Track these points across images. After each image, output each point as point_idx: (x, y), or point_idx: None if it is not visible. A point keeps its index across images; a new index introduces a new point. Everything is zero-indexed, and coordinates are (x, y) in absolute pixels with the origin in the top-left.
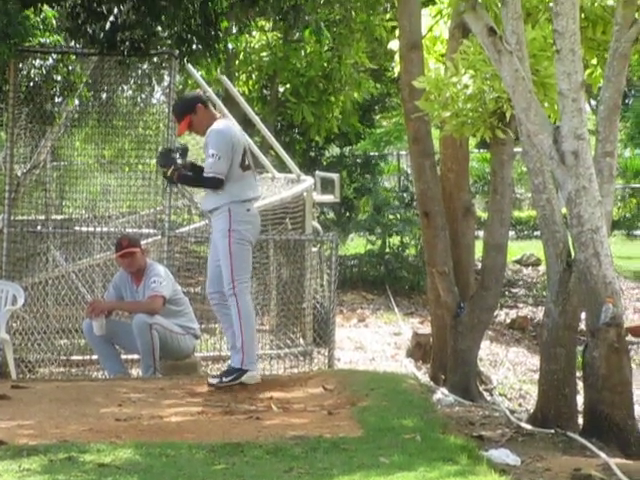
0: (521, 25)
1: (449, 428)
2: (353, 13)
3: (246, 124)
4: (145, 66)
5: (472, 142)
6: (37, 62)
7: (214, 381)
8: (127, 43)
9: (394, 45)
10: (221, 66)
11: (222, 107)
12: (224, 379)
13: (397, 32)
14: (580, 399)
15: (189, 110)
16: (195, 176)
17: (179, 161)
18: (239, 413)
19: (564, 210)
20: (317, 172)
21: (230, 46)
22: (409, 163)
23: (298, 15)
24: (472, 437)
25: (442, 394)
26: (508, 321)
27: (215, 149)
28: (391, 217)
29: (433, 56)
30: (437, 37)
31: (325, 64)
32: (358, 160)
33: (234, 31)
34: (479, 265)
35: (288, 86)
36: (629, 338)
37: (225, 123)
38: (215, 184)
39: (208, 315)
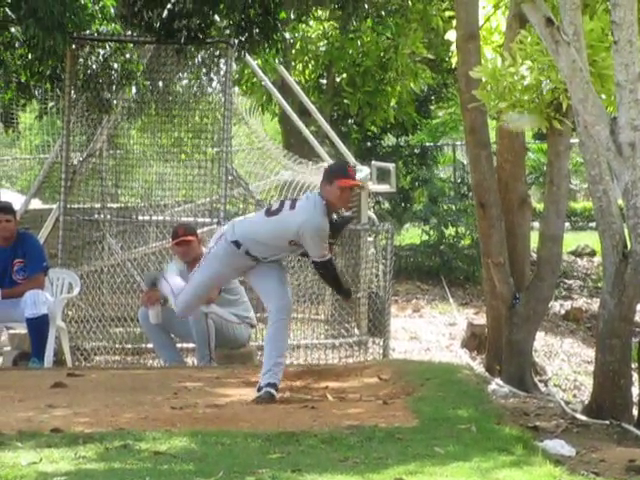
0: (579, 16)
1: (504, 419)
2: (410, 3)
3: (302, 113)
4: (202, 55)
5: (529, 133)
6: (94, 50)
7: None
8: (184, 31)
9: (451, 35)
10: (278, 55)
11: (279, 96)
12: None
13: (454, 22)
14: (635, 390)
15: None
16: (328, 280)
17: None
18: (294, 402)
19: (620, 201)
20: (373, 162)
21: (288, 36)
22: (465, 154)
23: (357, 4)
24: (527, 428)
25: (497, 385)
26: (563, 312)
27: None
28: (446, 208)
29: (490, 46)
30: (494, 27)
31: (381, 54)
32: (414, 150)
33: (291, 20)
34: (534, 256)
35: (344, 76)
36: None
37: None
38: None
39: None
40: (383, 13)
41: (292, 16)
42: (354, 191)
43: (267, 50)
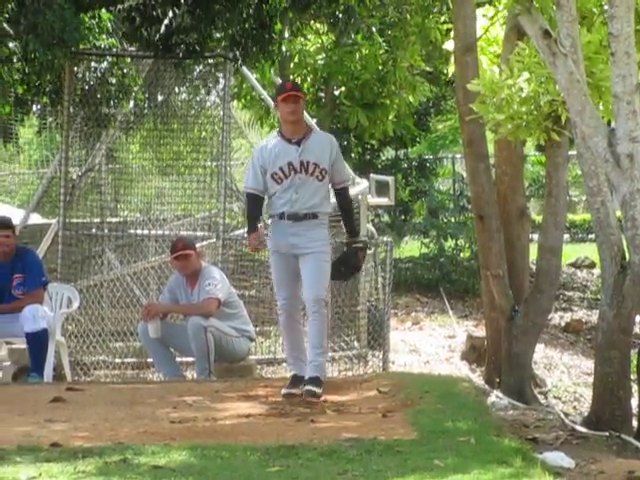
0: (576, 28)
1: (503, 431)
2: (408, 16)
3: None
4: (200, 69)
5: (527, 145)
6: (92, 65)
7: (319, 390)
8: (182, 46)
9: (449, 46)
10: (275, 68)
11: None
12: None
13: (452, 34)
14: (635, 402)
15: (304, 95)
16: (347, 208)
17: None
18: (293, 415)
19: (619, 213)
20: (372, 175)
21: (284, 48)
22: (464, 166)
23: (350, 19)
24: (526, 440)
25: (496, 397)
26: (562, 324)
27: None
28: (446, 220)
29: (488, 57)
30: (493, 38)
31: (380, 67)
32: (413, 163)
33: (287, 34)
34: (534, 268)
35: (343, 89)
36: None
37: None
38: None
39: (263, 318)
40: (375, 28)
41: (288, 31)
42: (299, 102)
43: (263, 63)
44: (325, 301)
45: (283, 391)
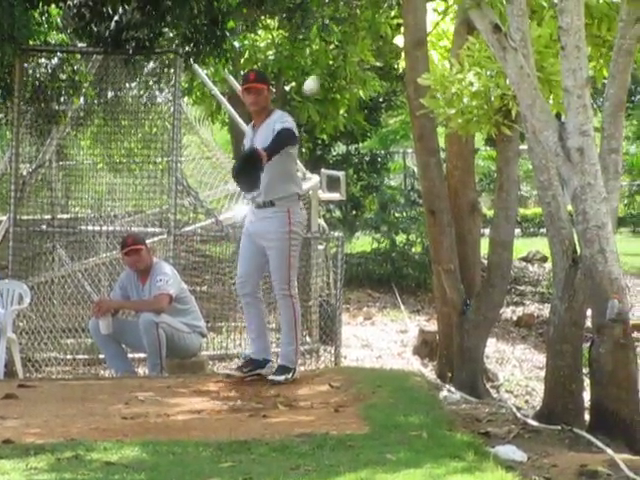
0: (526, 22)
1: (455, 425)
2: (358, 11)
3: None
4: (151, 65)
5: (479, 139)
6: (42, 61)
7: (281, 378)
8: (132, 42)
9: (399, 41)
10: (227, 65)
11: (228, 106)
12: (288, 377)
13: (402, 29)
14: (586, 396)
15: (269, 82)
16: (276, 139)
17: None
18: (245, 411)
19: (570, 207)
20: (323, 170)
21: (237, 44)
22: (415, 161)
23: (305, 14)
24: (479, 434)
25: (448, 391)
26: (514, 318)
27: (291, 122)
28: (397, 215)
29: (438, 52)
30: (443, 32)
31: (330, 62)
32: (364, 158)
33: (240, 30)
34: (485, 262)
35: (294, 84)
36: (635, 335)
37: None
38: (293, 135)
39: (214, 314)
40: (327, 22)
41: (241, 26)
42: (260, 93)
43: (216, 60)
44: (288, 292)
45: (223, 370)
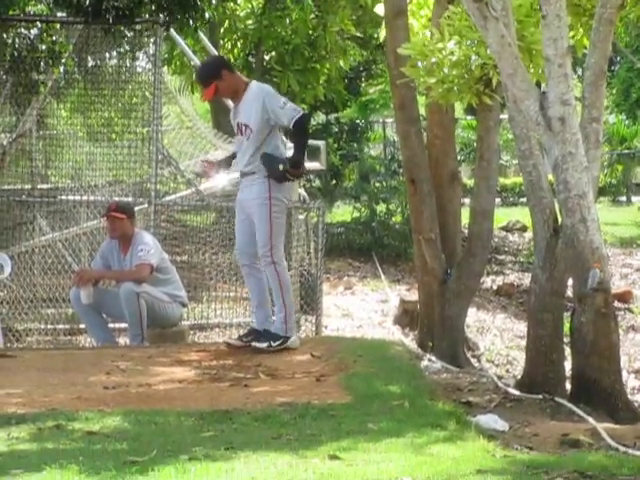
0: None
1: (437, 394)
2: None
3: None
4: (131, 34)
5: (459, 108)
6: (22, 31)
7: (263, 345)
8: (112, 12)
9: (379, 10)
10: (204, 32)
11: None
12: (273, 344)
13: None
14: (568, 365)
15: (215, 76)
16: (299, 141)
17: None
18: (227, 380)
19: (551, 176)
20: None
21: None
22: (395, 130)
23: None
24: (460, 403)
25: (429, 361)
26: (495, 288)
27: (282, 98)
28: (377, 185)
29: (419, 21)
30: (424, 1)
31: (310, 32)
32: (344, 127)
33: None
34: (466, 232)
35: (273, 54)
36: (616, 304)
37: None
38: (309, 120)
39: (195, 283)
40: None
41: None
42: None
43: (194, 28)
44: (270, 259)
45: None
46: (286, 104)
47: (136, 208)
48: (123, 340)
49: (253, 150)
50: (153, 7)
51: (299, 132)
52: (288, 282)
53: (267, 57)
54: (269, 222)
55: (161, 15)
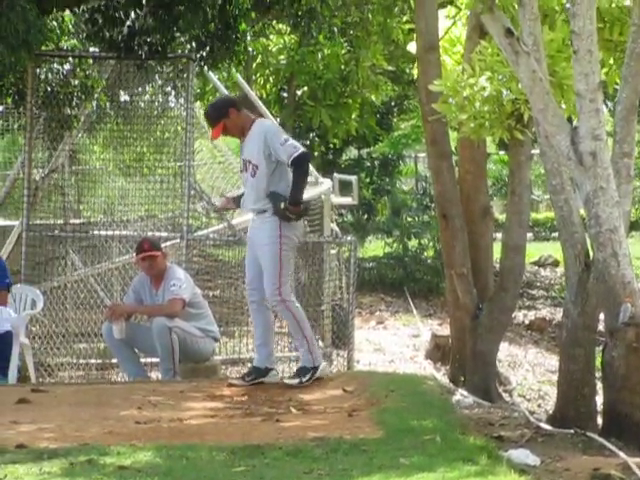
0: (538, 26)
1: (468, 429)
2: (370, 16)
3: None
4: (163, 70)
5: (490, 143)
6: (55, 66)
7: (294, 382)
8: (145, 47)
9: (412, 47)
10: (239, 68)
11: None
12: (303, 379)
13: (414, 34)
14: (599, 399)
15: (222, 115)
16: (296, 179)
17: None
18: (259, 415)
19: (582, 211)
20: (335, 174)
21: (250, 49)
22: (427, 165)
23: (312, 20)
24: (491, 438)
25: (461, 395)
26: (527, 322)
27: (284, 135)
28: (409, 219)
29: (452, 58)
30: (456, 38)
31: (342, 67)
32: (376, 162)
33: (250, 35)
34: (497, 267)
35: (306, 89)
36: None
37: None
38: (308, 158)
39: (227, 318)
40: (336, 29)
41: (251, 31)
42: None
43: (229, 64)
44: (279, 298)
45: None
46: (287, 141)
47: (168, 243)
48: (155, 375)
49: (261, 187)
50: (190, 44)
51: (298, 169)
52: (302, 315)
53: (299, 92)
54: (279, 260)
55: (201, 52)
